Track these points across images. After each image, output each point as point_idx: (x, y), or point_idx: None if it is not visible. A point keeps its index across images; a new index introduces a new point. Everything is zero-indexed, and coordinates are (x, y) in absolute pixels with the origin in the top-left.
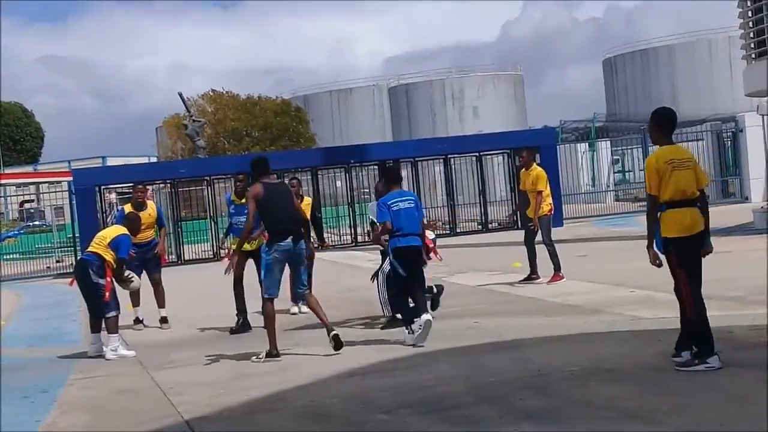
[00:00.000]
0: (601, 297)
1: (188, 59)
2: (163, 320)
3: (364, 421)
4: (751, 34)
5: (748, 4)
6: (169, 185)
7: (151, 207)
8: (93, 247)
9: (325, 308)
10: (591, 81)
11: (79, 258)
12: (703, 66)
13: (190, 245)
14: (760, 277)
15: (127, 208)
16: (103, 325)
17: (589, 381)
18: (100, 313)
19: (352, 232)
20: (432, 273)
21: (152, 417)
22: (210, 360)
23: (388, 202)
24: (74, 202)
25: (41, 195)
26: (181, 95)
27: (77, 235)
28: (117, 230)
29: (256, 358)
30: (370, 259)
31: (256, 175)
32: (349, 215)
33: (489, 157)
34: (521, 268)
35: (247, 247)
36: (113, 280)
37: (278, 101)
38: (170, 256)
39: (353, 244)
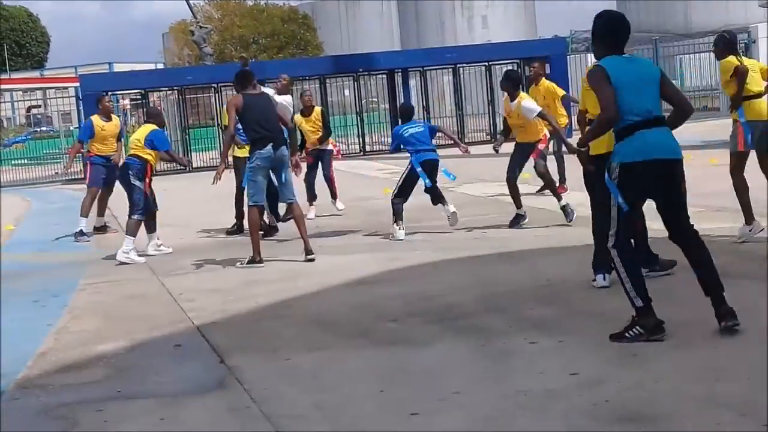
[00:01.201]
0: None
1: None
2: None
3: (371, 329)
4: None
5: None
6: (176, 92)
7: (116, 119)
8: (132, 150)
9: (337, 220)
10: None
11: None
12: None
13: (198, 153)
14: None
15: (95, 118)
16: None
17: (597, 292)
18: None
19: (361, 141)
20: (441, 182)
21: (163, 322)
22: (220, 266)
23: (400, 131)
24: (81, 107)
25: (48, 100)
26: (187, 1)
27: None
28: (146, 128)
29: (240, 264)
30: (379, 168)
31: (239, 87)
32: (357, 124)
33: (498, 66)
34: (529, 179)
35: (242, 153)
36: (150, 183)
37: (285, 8)
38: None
39: (362, 153)
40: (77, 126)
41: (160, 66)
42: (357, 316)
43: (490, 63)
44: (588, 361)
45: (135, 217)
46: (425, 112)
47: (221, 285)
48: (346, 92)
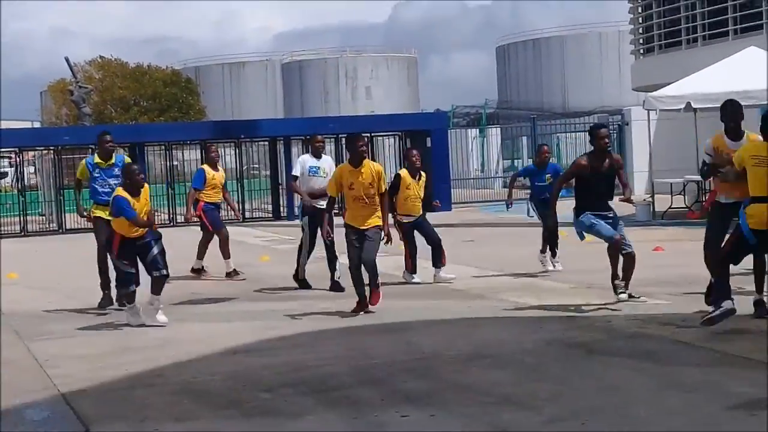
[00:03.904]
0: (486, 282)
1: (69, 24)
2: None
3: (244, 399)
4: (640, 30)
5: (639, 0)
6: (52, 152)
7: (221, 169)
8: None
9: (215, 285)
10: (481, 68)
11: None
12: (593, 58)
13: (71, 214)
14: (641, 268)
15: (206, 168)
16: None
17: (470, 365)
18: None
19: (241, 207)
20: (318, 253)
21: (27, 389)
22: (89, 332)
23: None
24: None
25: None
26: (67, 60)
27: None
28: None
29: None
30: (258, 235)
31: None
32: (237, 190)
33: (381, 138)
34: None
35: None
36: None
37: (168, 71)
38: (51, 225)
39: (242, 220)
40: None
41: (37, 124)
42: (229, 385)
43: (373, 134)
44: None
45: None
46: None
47: (90, 351)
48: (228, 158)
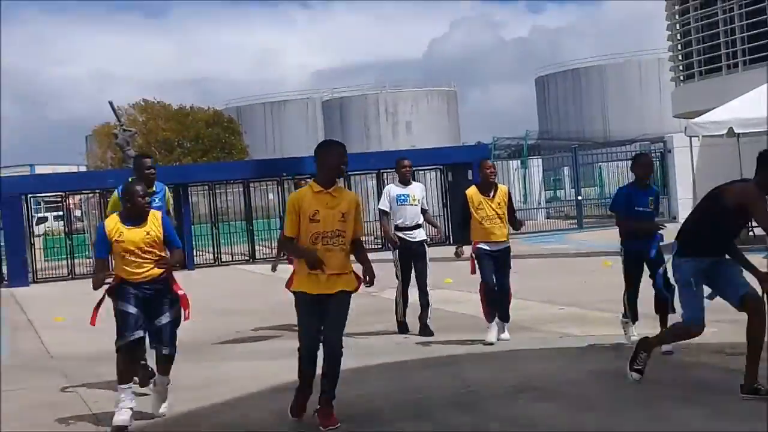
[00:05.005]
0: (531, 314)
1: (111, 67)
2: None
3: None
4: (680, 57)
5: (677, 27)
6: (98, 194)
7: None
8: None
9: (255, 321)
10: (520, 99)
11: None
12: (633, 87)
13: None
14: None
15: None
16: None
17: (517, 398)
18: None
19: None
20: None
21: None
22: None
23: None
24: (1, 210)
25: None
26: (111, 104)
27: (2, 244)
28: None
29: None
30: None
31: None
32: (281, 228)
33: (422, 172)
34: (452, 284)
35: None
36: None
37: (210, 112)
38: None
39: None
40: None
41: (83, 168)
42: (280, 422)
43: (415, 168)
44: None
45: None
46: None
47: (139, 391)
48: (270, 196)
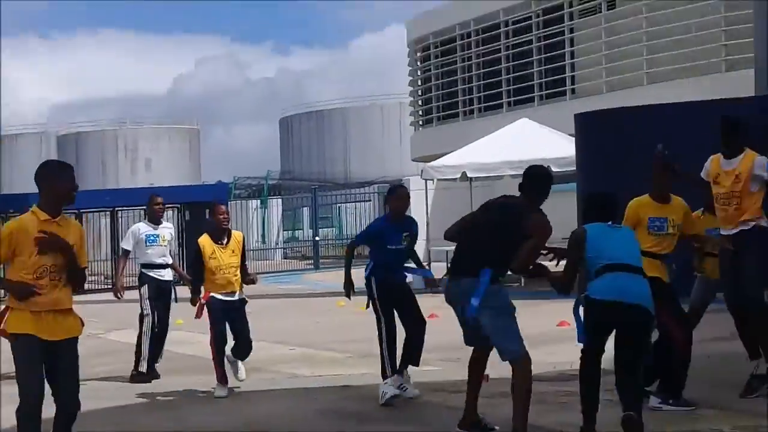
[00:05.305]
0: (261, 355)
1: None
2: None
3: None
4: (420, 102)
5: (419, 73)
6: None
7: None
8: None
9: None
10: (265, 139)
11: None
12: (375, 129)
13: None
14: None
15: None
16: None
17: None
18: None
19: None
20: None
21: None
22: None
23: None
24: None
25: None
26: None
27: None
28: None
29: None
30: None
31: None
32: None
33: None
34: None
35: None
36: None
37: None
38: None
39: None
40: None
41: None
42: None
43: None
44: None
45: None
46: None
47: None
48: None
